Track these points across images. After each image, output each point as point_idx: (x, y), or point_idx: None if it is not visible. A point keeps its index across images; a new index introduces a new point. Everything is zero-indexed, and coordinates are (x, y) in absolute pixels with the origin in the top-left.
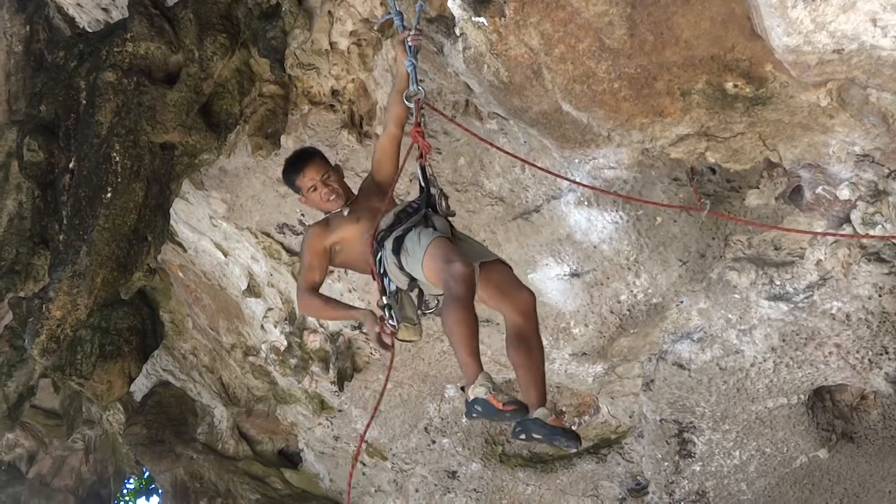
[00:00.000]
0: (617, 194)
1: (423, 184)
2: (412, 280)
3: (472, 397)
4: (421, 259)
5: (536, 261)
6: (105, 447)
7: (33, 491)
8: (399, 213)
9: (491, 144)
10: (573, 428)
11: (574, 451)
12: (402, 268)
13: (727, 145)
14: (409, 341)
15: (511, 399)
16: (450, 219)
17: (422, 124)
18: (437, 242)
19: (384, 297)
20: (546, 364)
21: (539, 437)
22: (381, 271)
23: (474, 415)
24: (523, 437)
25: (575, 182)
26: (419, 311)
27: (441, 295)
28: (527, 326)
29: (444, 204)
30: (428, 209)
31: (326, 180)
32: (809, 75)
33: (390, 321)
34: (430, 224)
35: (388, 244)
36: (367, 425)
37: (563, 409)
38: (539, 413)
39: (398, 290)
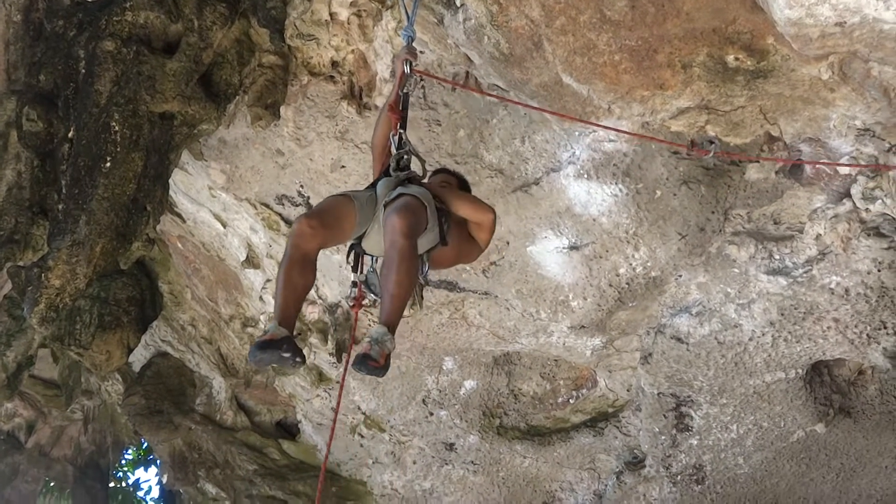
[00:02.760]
0: (646, 136)
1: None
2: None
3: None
4: None
5: (535, 233)
6: (104, 417)
7: (32, 460)
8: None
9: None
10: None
11: (377, 377)
12: None
13: (728, 118)
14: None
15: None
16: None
17: (400, 98)
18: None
19: (362, 272)
20: (544, 337)
21: (353, 367)
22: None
23: (255, 358)
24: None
25: (607, 128)
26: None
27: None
28: (389, 249)
29: (399, 161)
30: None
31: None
32: (811, 48)
33: (368, 293)
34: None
35: None
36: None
37: (561, 381)
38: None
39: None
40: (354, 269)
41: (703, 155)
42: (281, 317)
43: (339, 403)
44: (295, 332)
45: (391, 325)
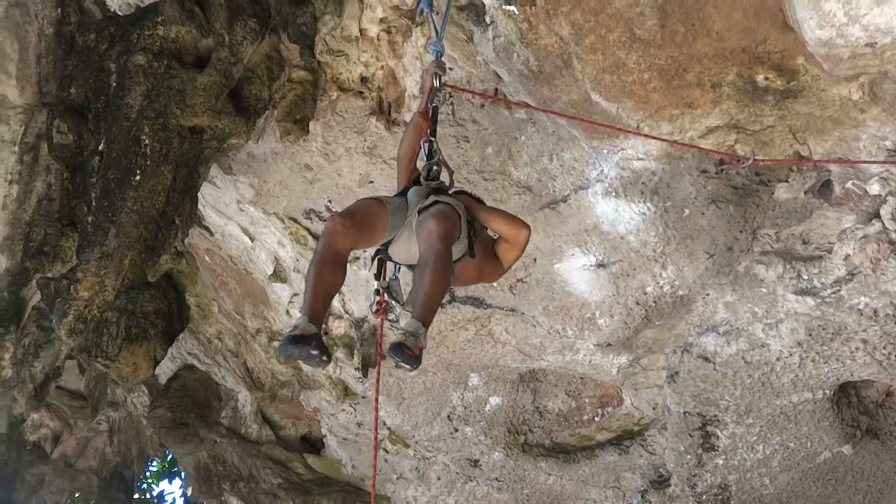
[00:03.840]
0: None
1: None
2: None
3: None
4: None
5: (563, 251)
6: (129, 429)
7: (57, 471)
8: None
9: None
10: (413, 355)
11: (407, 370)
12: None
13: (757, 138)
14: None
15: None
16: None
17: (430, 109)
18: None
19: (385, 279)
20: (570, 354)
21: (387, 356)
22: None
23: (286, 351)
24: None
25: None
26: None
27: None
28: (424, 252)
29: (428, 171)
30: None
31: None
32: (842, 69)
33: (391, 300)
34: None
35: None
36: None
37: (587, 399)
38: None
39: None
40: (378, 277)
41: (743, 163)
42: (310, 313)
43: (376, 417)
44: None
45: (425, 322)
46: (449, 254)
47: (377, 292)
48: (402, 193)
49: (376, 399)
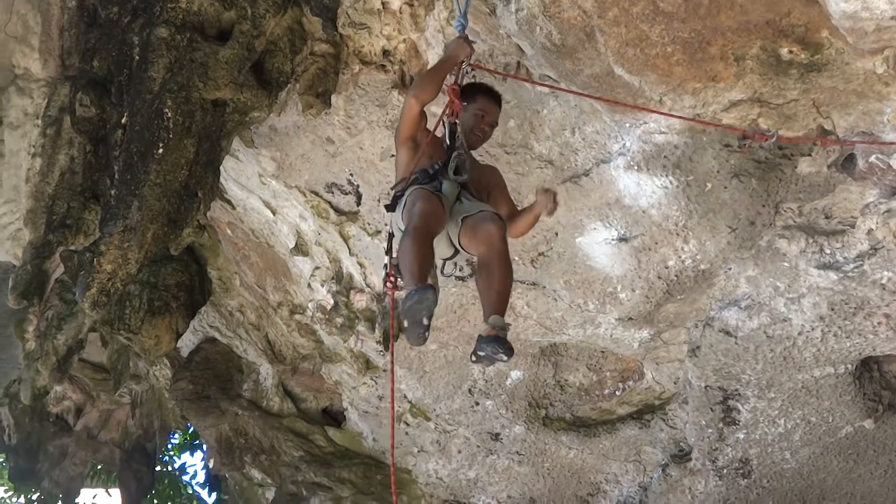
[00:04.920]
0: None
1: (448, 143)
2: None
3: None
4: (402, 209)
5: (584, 225)
6: (151, 402)
7: (80, 443)
8: (419, 175)
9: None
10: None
11: (504, 359)
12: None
13: (780, 112)
14: None
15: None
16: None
17: (458, 83)
18: (415, 192)
19: (392, 255)
20: (592, 328)
21: (481, 353)
22: (391, 231)
23: (405, 323)
24: (474, 358)
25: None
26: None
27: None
28: (488, 252)
29: (459, 166)
30: (442, 175)
31: (492, 124)
32: (866, 42)
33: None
34: (439, 185)
35: (389, 203)
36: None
37: (608, 373)
38: (481, 330)
39: None
40: (388, 253)
41: (765, 140)
42: (420, 279)
43: (392, 389)
44: (342, 321)
45: (503, 315)
46: (508, 252)
47: (386, 266)
48: (430, 176)
49: (392, 371)
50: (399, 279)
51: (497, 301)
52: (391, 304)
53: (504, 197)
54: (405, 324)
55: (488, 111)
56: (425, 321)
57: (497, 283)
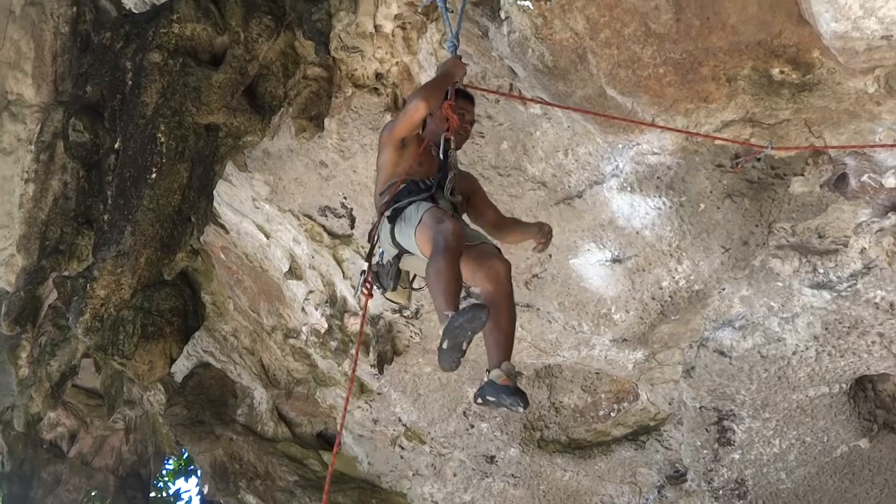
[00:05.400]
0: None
1: (441, 160)
2: (398, 254)
3: (441, 330)
4: (415, 227)
5: (578, 246)
6: (145, 427)
7: (74, 469)
8: (410, 186)
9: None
10: (522, 389)
11: (520, 411)
12: (393, 238)
13: (772, 131)
14: (397, 303)
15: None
16: (457, 202)
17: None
18: (431, 211)
19: (372, 263)
20: (586, 350)
21: (492, 399)
22: (376, 238)
23: (444, 345)
24: (480, 401)
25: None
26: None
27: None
28: (496, 292)
29: (452, 188)
30: (437, 189)
31: (471, 122)
32: (857, 62)
33: (376, 286)
34: (434, 201)
35: (387, 213)
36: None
37: (602, 394)
38: (493, 374)
39: (385, 260)
40: (368, 259)
41: (760, 152)
42: (454, 306)
43: (356, 362)
44: (336, 345)
45: (511, 358)
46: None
47: (363, 272)
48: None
49: (356, 353)
50: (375, 287)
51: (506, 344)
52: (363, 310)
53: (487, 202)
54: (444, 345)
55: (467, 110)
56: (465, 346)
57: (506, 323)
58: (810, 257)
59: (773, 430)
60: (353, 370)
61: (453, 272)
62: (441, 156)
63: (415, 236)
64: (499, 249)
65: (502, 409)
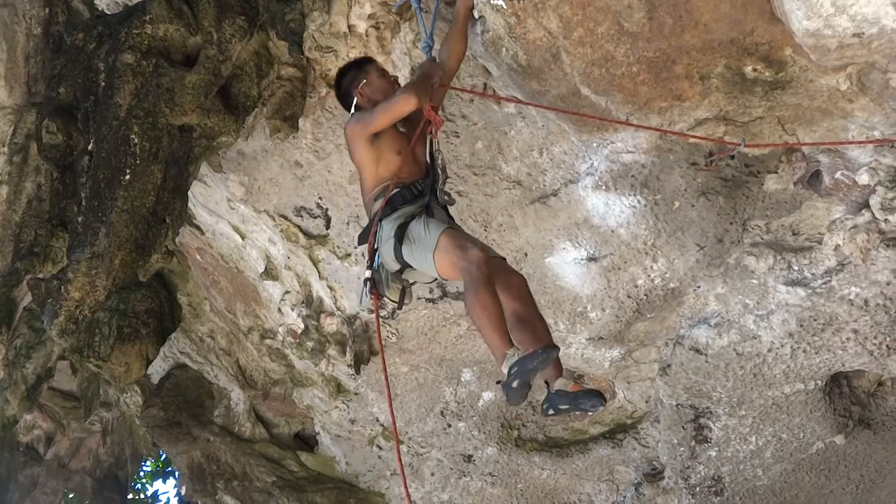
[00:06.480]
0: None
1: (429, 161)
2: (402, 269)
3: (506, 367)
4: (432, 252)
5: (553, 245)
6: (122, 429)
7: (51, 472)
8: (404, 192)
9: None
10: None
11: (601, 408)
12: (398, 255)
13: (746, 129)
14: (395, 302)
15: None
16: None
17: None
18: (447, 233)
19: (370, 270)
20: (563, 348)
21: (566, 406)
22: (376, 247)
23: (514, 384)
24: (552, 412)
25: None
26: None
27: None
28: (525, 308)
29: (444, 190)
30: (429, 195)
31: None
32: (829, 59)
33: (382, 291)
34: (431, 214)
35: (389, 227)
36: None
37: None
38: (559, 384)
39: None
40: (370, 267)
41: (733, 149)
42: (508, 343)
43: (391, 404)
44: (313, 345)
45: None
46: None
47: (367, 283)
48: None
49: (387, 384)
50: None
51: (545, 331)
52: (376, 316)
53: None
54: (514, 384)
55: (381, 69)
56: (532, 382)
57: (538, 321)
58: (785, 254)
59: (749, 427)
60: (385, 371)
61: (497, 304)
62: (428, 158)
63: (433, 259)
64: (504, 259)
65: (578, 412)
